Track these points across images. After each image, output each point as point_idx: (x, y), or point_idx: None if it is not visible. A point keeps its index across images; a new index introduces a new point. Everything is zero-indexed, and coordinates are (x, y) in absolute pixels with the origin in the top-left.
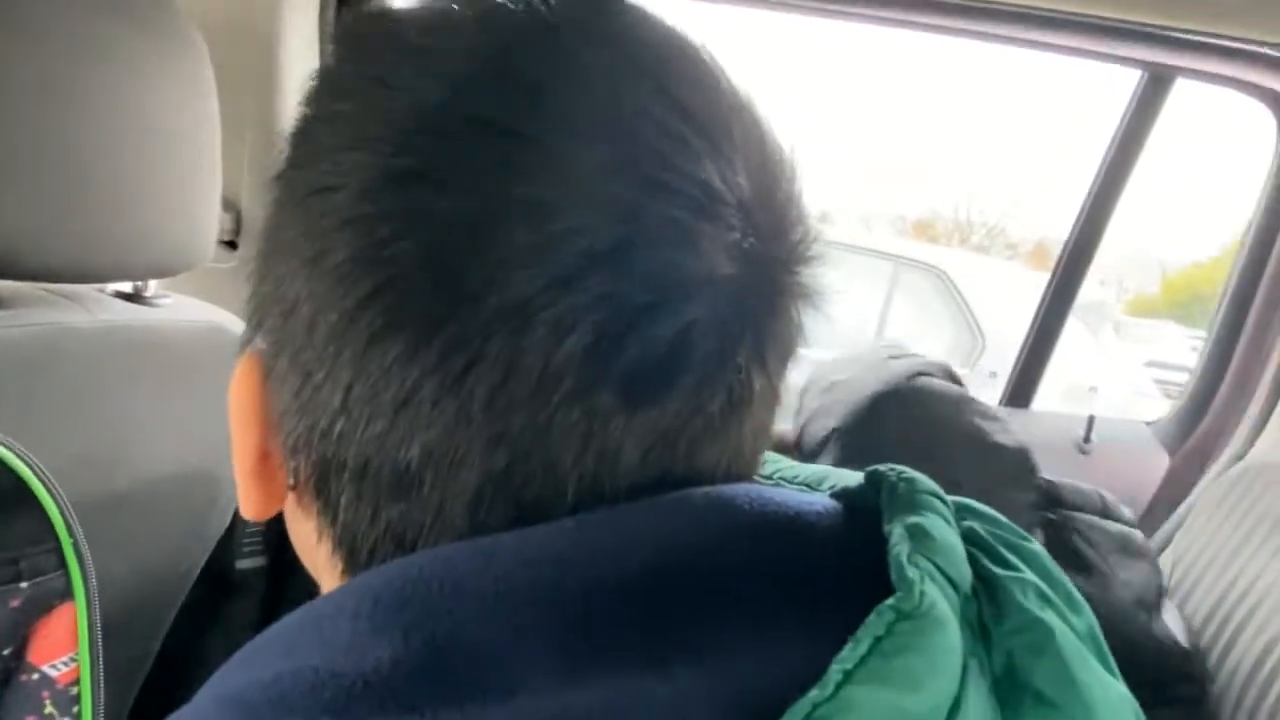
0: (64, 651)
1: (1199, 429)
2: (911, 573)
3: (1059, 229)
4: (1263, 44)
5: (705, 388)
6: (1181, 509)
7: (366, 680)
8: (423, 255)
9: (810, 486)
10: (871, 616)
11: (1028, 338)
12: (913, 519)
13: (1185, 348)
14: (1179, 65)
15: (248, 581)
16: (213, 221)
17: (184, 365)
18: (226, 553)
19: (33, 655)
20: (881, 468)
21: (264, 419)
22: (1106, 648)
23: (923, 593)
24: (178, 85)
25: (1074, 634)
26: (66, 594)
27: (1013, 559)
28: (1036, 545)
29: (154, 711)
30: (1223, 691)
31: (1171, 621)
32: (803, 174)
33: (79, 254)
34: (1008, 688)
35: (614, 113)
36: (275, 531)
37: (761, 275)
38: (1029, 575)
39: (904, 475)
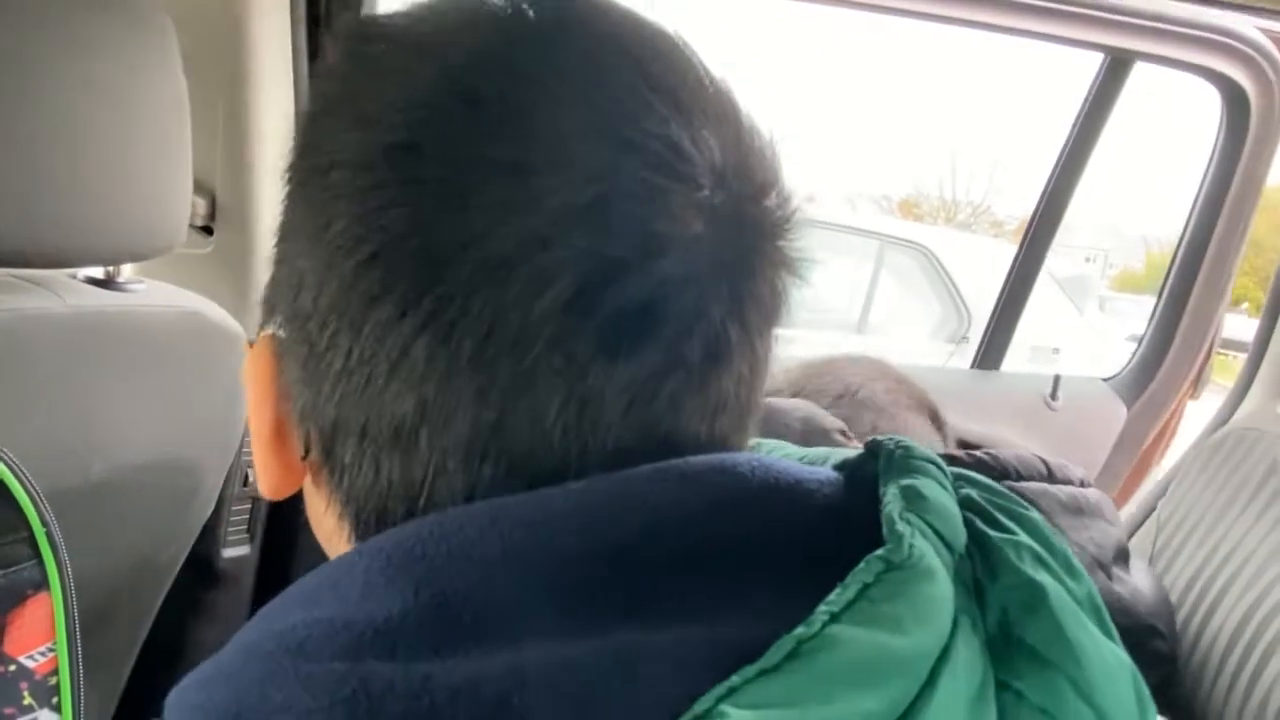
0: (41, 642)
1: (1153, 382)
2: (901, 527)
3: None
4: (1210, 29)
5: (683, 339)
6: (1165, 475)
7: (377, 629)
8: (411, 220)
9: (814, 464)
10: (860, 565)
11: (996, 305)
12: (906, 480)
13: None
14: (1137, 50)
15: (234, 570)
16: (184, 205)
17: (161, 352)
18: (212, 542)
19: (9, 646)
20: (881, 437)
21: (277, 393)
22: (1108, 616)
23: (912, 545)
24: (144, 64)
25: (1071, 597)
26: (42, 584)
27: (1009, 524)
28: (1036, 514)
29: (143, 701)
30: (1205, 655)
31: (1140, 578)
32: (782, 153)
33: (46, 238)
34: (1001, 645)
35: (587, 83)
36: (264, 519)
37: (736, 237)
38: (1024, 538)
39: (901, 443)
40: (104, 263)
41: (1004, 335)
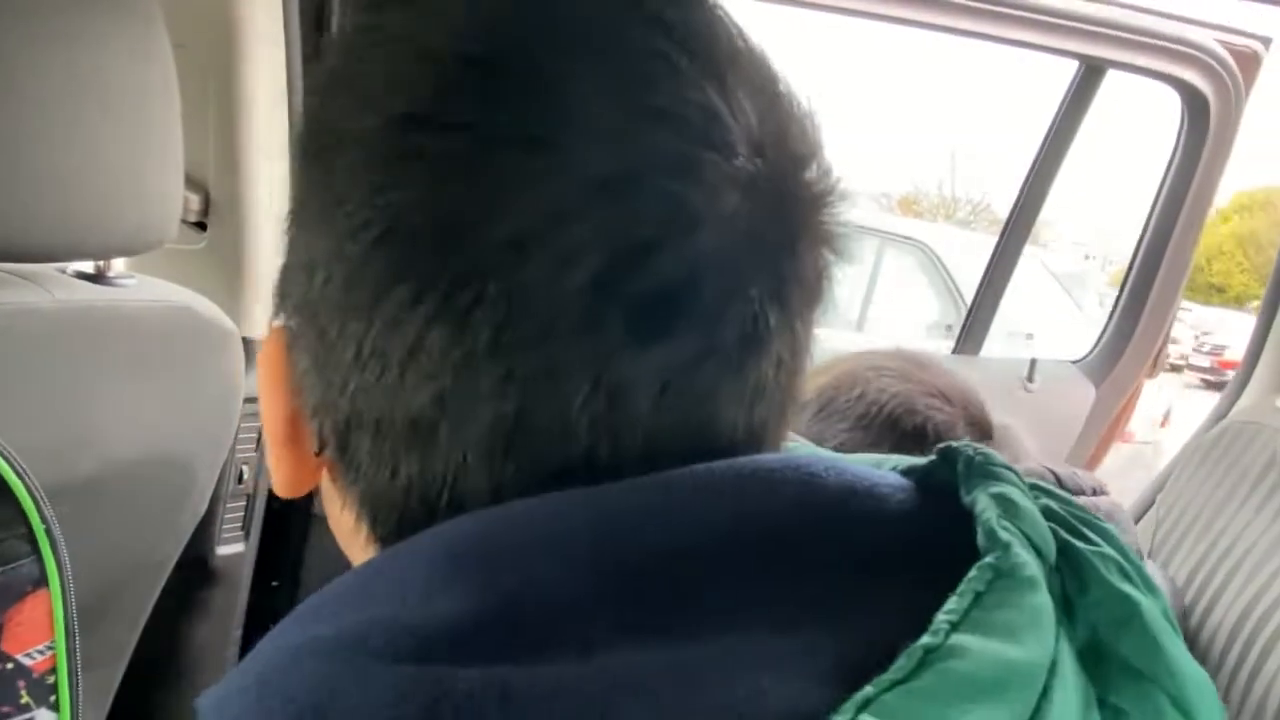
0: (39, 640)
1: (1118, 364)
2: (1004, 535)
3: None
4: (1176, 40)
5: (716, 322)
6: (1164, 469)
7: (442, 631)
8: (422, 196)
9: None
10: (972, 572)
11: (976, 295)
12: (996, 488)
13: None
14: (1110, 58)
15: (228, 568)
16: (175, 199)
17: (152, 347)
18: (206, 539)
19: (7, 644)
20: (955, 443)
21: (288, 387)
22: (1180, 633)
23: (1016, 553)
24: (133, 56)
25: (1160, 612)
26: (41, 581)
27: (1093, 536)
28: (1110, 526)
29: (138, 698)
30: (1205, 650)
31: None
32: (821, 120)
33: (34, 232)
34: (1092, 660)
35: (606, 43)
36: (259, 516)
37: (775, 211)
38: (1110, 550)
39: (979, 450)
40: (93, 257)
41: (984, 322)
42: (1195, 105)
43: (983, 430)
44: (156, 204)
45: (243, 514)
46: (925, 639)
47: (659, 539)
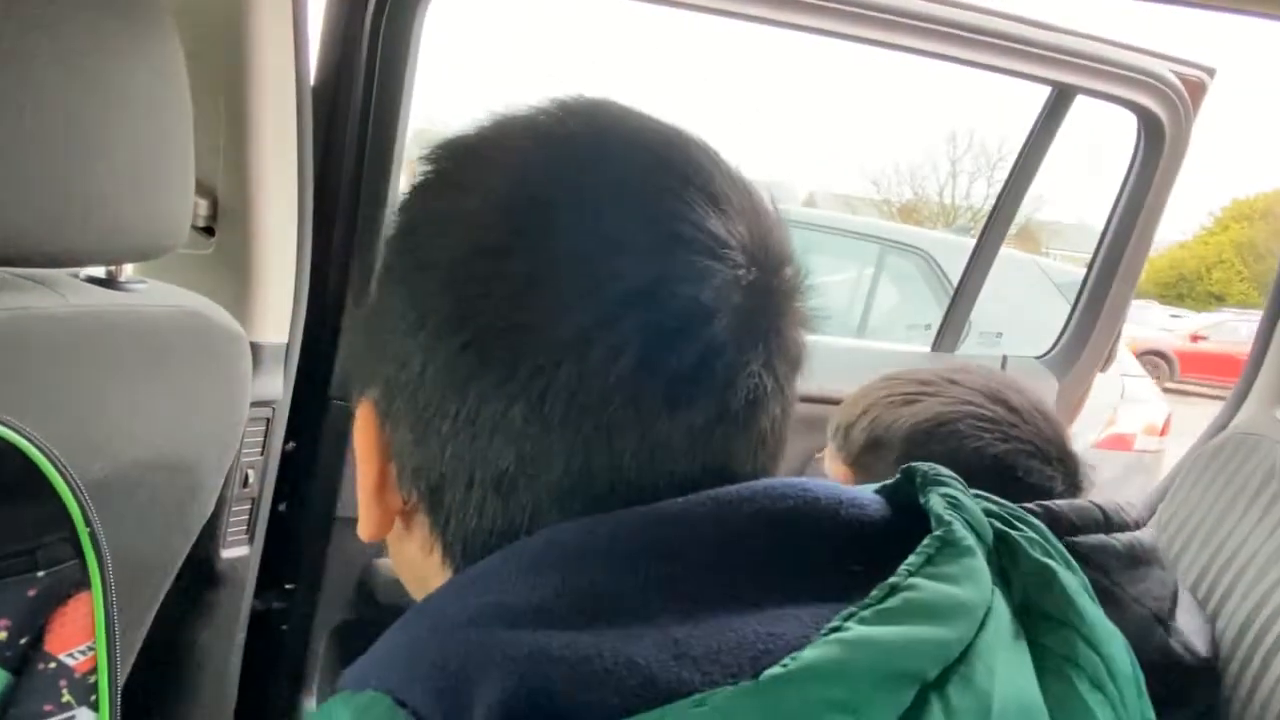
0: (81, 640)
1: (1079, 360)
2: (947, 516)
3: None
4: (1136, 70)
5: (728, 389)
6: (1164, 480)
7: (534, 608)
8: (502, 307)
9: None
10: (925, 540)
11: (953, 296)
12: (944, 489)
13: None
14: (1077, 84)
15: (233, 571)
16: (185, 205)
17: (161, 352)
18: (211, 542)
19: (50, 644)
20: (914, 464)
21: (381, 452)
22: (1097, 600)
23: (957, 529)
24: (145, 63)
25: (1075, 579)
26: (84, 582)
27: (1021, 526)
28: (1036, 521)
29: (142, 702)
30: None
31: (1187, 619)
32: (785, 224)
33: (47, 237)
34: (1024, 615)
35: (639, 187)
36: (263, 520)
37: (765, 303)
38: (1035, 535)
39: (933, 467)
40: (105, 262)
41: (959, 322)
42: (1151, 127)
43: (1073, 481)
44: (168, 210)
45: (247, 517)
46: (891, 579)
47: (691, 538)
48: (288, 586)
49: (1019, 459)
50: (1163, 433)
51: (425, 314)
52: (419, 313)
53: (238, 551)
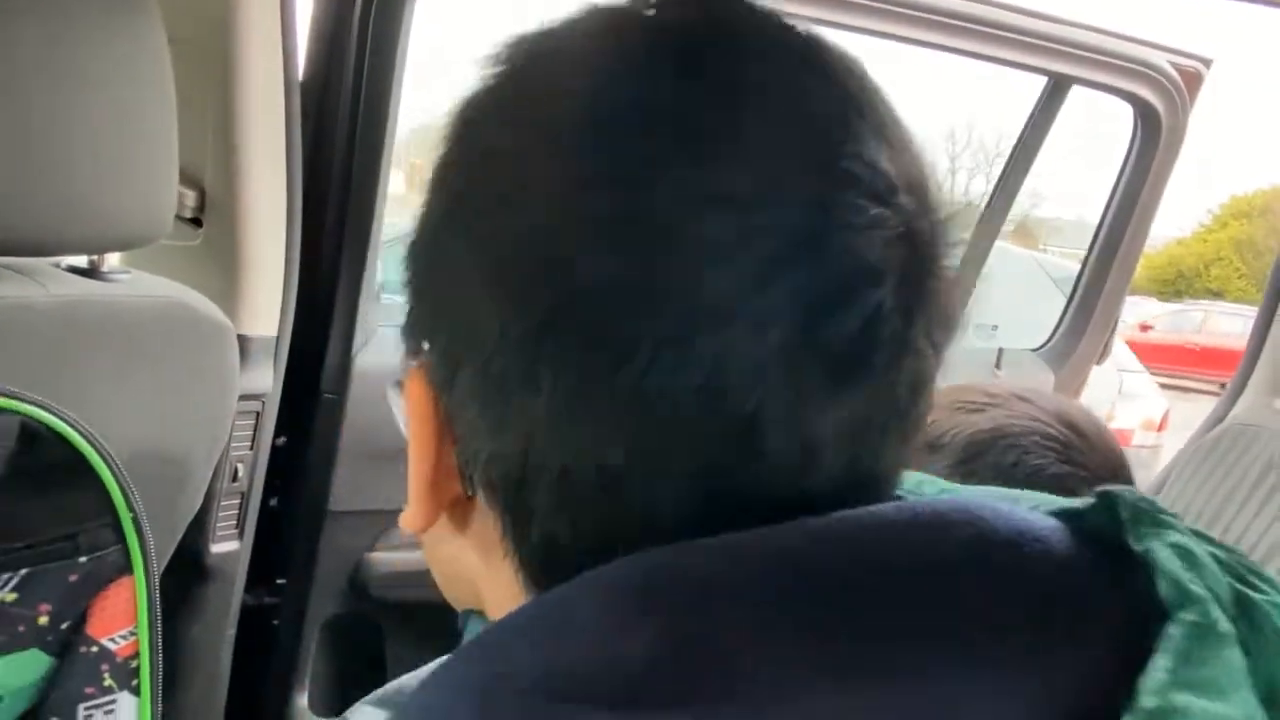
0: (123, 625)
1: (1075, 353)
2: (1197, 589)
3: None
4: (1133, 60)
5: (891, 368)
6: (1162, 472)
7: (619, 676)
8: (617, 260)
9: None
10: (1174, 629)
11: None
12: (1172, 538)
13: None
14: (1074, 75)
15: (222, 565)
16: (169, 194)
17: (146, 342)
18: (200, 536)
19: (92, 628)
20: (1113, 488)
21: (438, 432)
22: None
23: (1213, 610)
24: (128, 51)
25: None
26: (125, 568)
27: (1259, 583)
28: (1271, 574)
29: None
30: None
31: None
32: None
33: (28, 226)
34: (1272, 709)
35: (792, 104)
36: (253, 514)
37: (928, 259)
38: (1278, 596)
39: (1142, 497)
40: (88, 251)
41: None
42: (1148, 119)
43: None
44: (150, 199)
45: (237, 512)
46: (1149, 701)
47: (841, 581)
48: (279, 582)
49: (1079, 485)
50: (1160, 428)
51: (505, 263)
52: (495, 261)
53: (227, 546)
